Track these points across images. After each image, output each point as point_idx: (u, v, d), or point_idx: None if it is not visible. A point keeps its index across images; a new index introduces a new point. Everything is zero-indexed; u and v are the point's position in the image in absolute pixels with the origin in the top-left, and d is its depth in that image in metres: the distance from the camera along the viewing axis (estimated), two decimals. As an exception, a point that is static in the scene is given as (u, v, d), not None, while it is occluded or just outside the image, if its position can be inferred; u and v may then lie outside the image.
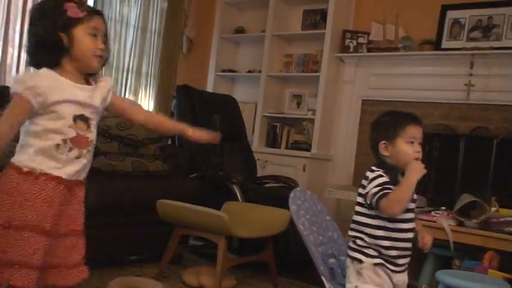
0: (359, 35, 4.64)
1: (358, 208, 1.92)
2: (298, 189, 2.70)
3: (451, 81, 4.14)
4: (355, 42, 4.63)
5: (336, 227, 2.77)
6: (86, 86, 1.61)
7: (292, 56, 5.08)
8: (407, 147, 1.80)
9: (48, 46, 1.53)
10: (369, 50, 4.59)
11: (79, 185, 1.65)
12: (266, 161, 4.67)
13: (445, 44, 4.26)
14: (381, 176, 1.80)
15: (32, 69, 1.60)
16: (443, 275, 2.31)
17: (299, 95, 5.06)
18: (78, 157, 1.58)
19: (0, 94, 3.09)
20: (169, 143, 3.87)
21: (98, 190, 2.91)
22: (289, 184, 3.84)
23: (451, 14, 4.29)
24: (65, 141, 1.54)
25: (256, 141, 4.93)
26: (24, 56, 3.89)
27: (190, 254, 3.58)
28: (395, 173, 1.84)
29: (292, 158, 4.61)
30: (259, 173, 4.29)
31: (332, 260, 2.58)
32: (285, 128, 4.98)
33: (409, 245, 1.85)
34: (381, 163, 1.85)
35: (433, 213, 3.07)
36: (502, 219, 2.83)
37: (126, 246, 3.10)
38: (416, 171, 1.75)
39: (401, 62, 4.41)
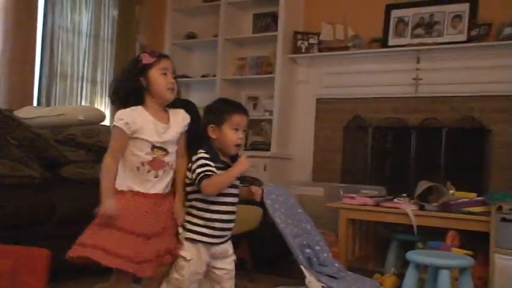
0: (310, 36, 4.80)
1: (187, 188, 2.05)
2: (272, 184, 2.80)
3: (400, 76, 4.37)
4: (306, 43, 4.79)
5: (309, 219, 2.88)
6: (163, 124, 1.96)
7: (245, 59, 5.18)
8: (232, 133, 1.99)
9: (133, 91, 1.93)
10: (320, 50, 4.76)
11: (165, 197, 1.98)
12: (228, 162, 4.73)
13: (391, 41, 4.49)
14: (201, 158, 1.96)
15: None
16: (414, 255, 2.47)
17: (255, 97, 5.16)
18: (156, 176, 1.93)
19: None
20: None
21: (70, 199, 2.90)
22: (254, 183, 3.93)
23: (395, 13, 4.53)
24: (142, 163, 1.91)
25: (215, 144, 4.98)
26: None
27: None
28: (216, 152, 2.00)
29: (252, 159, 4.64)
30: (223, 175, 4.35)
31: (308, 250, 2.69)
32: (243, 130, 5.06)
33: (231, 217, 2.03)
34: (207, 145, 2.02)
35: (395, 200, 3.24)
36: (459, 201, 3.04)
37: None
38: (242, 165, 1.96)
39: (352, 60, 4.61)
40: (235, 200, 2.04)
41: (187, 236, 1.99)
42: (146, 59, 1.96)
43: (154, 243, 1.92)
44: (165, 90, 1.95)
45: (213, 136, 2.00)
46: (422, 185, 3.29)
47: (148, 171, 1.91)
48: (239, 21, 5.29)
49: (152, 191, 1.93)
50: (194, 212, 2.00)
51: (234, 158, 2.06)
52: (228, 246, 2.08)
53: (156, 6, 5.44)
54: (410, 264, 2.51)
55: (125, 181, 1.92)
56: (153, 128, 1.93)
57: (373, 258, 3.77)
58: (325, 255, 2.69)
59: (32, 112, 3.19)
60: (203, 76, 5.41)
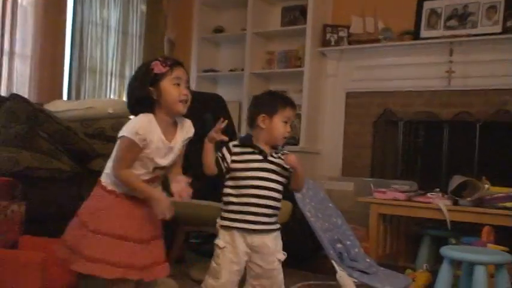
0: (339, 28, 4.72)
1: None
2: (301, 178, 2.75)
3: (432, 69, 4.26)
4: (336, 36, 4.72)
5: (340, 214, 2.85)
6: (169, 144, 1.87)
7: (273, 53, 5.14)
8: (282, 125, 2.01)
9: (143, 100, 1.84)
10: (350, 43, 4.68)
11: None
12: (255, 157, 4.70)
13: (423, 33, 4.38)
14: (223, 146, 2.00)
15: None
16: (449, 251, 2.39)
17: (283, 91, 5.09)
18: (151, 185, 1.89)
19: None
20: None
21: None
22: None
23: (428, 5, 4.41)
24: (141, 177, 1.85)
25: (243, 139, 4.96)
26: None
27: (190, 252, 3.59)
28: (250, 138, 2.03)
29: (280, 153, 4.65)
30: (251, 169, 4.33)
31: (339, 245, 2.65)
32: (271, 124, 5.03)
33: (263, 201, 1.98)
34: (248, 135, 2.07)
35: (428, 194, 3.16)
36: (495, 196, 2.95)
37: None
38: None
39: (383, 53, 4.51)
40: (268, 184, 1.99)
41: (222, 224, 2.00)
42: (158, 68, 1.84)
43: (147, 250, 1.87)
44: (177, 102, 1.84)
45: (262, 126, 2.00)
46: (456, 180, 3.21)
47: (146, 183, 1.87)
48: (267, 15, 5.24)
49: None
50: (226, 198, 2.01)
51: (276, 148, 2.05)
52: (267, 240, 2.00)
53: (184, 0, 5.44)
54: (444, 260, 2.43)
55: (120, 185, 1.85)
56: (161, 147, 1.86)
57: (404, 254, 3.70)
58: (356, 250, 2.65)
59: (61, 105, 3.21)
60: (231, 70, 5.38)
